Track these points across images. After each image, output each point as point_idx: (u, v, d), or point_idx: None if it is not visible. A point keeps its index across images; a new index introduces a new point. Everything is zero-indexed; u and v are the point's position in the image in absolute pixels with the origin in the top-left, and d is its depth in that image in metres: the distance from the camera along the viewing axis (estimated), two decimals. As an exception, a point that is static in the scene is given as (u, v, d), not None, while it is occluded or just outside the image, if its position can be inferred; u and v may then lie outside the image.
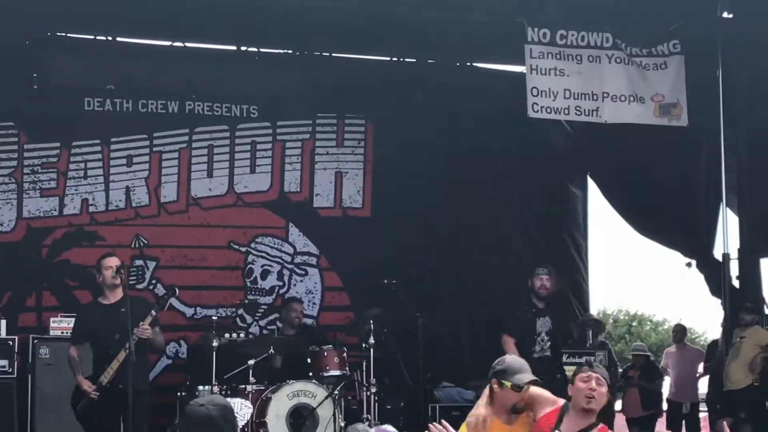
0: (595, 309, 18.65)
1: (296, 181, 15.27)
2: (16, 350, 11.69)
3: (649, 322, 49.64)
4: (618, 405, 15.31)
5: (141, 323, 10.26)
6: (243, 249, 14.92)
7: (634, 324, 49.04)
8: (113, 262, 10.66)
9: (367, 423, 12.38)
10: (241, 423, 10.20)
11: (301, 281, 15.19)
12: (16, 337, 11.92)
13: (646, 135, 13.61)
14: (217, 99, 14.79)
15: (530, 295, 12.71)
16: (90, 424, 10.31)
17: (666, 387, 16.22)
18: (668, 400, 16.02)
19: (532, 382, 7.32)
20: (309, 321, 14.66)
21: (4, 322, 12.33)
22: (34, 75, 13.91)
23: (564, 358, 13.03)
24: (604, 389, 7.21)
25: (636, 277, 77.41)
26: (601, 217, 18.73)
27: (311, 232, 15.29)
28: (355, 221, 15.37)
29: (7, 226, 14.05)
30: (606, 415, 7.31)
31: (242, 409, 11.32)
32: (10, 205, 14.07)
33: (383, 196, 15.35)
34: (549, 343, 12.64)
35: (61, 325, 12.29)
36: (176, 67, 14.71)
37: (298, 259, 15.20)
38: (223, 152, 14.94)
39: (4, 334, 12.03)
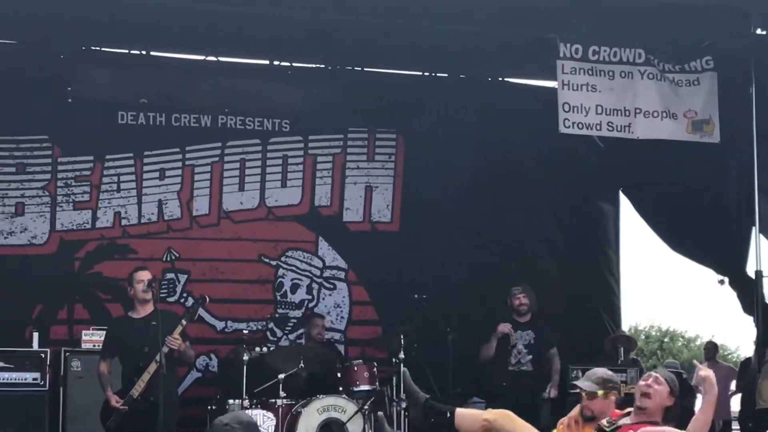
0: (626, 325, 18.62)
1: (327, 195, 15.30)
2: (48, 363, 11.72)
3: (681, 338, 49.43)
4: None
5: (171, 334, 10.29)
6: (273, 262, 14.95)
7: (665, 340, 48.86)
8: (145, 275, 10.70)
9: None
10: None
11: (330, 295, 15.21)
12: (48, 350, 11.95)
13: (678, 151, 13.56)
14: (250, 113, 14.83)
15: (512, 314, 13.14)
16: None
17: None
18: (699, 418, 15.88)
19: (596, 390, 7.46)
20: (336, 335, 14.68)
21: (36, 334, 12.38)
22: (68, 89, 13.97)
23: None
24: (662, 388, 7.20)
25: (668, 292, 77.14)
26: (634, 233, 18.70)
27: (340, 246, 15.31)
28: (383, 235, 15.38)
29: (40, 239, 14.12)
30: (672, 417, 7.25)
31: (266, 422, 11.34)
32: (44, 218, 14.14)
33: (412, 211, 15.35)
34: (529, 357, 12.74)
35: (93, 338, 12.32)
36: (209, 81, 14.75)
37: (327, 273, 15.21)
38: (254, 166, 14.99)
39: (36, 347, 12.07)
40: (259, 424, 5.34)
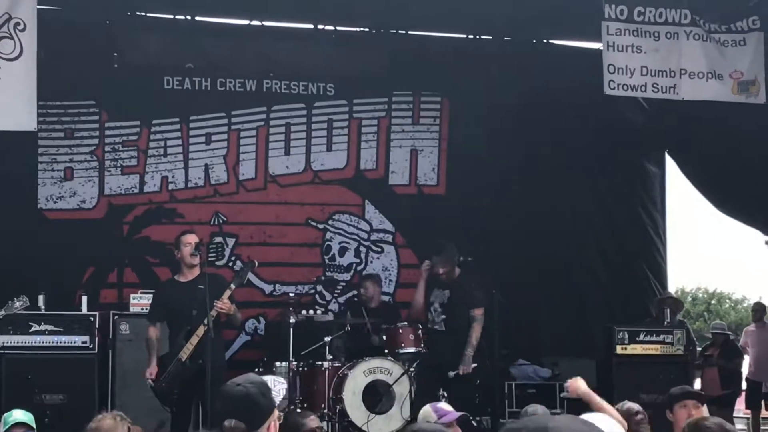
0: (673, 287, 18.57)
1: (372, 158, 15.33)
2: (96, 326, 11.85)
3: (728, 300, 49.23)
4: (697, 384, 15.23)
5: (221, 298, 10.38)
6: (321, 226, 15.02)
7: (712, 302, 48.67)
8: (192, 239, 10.80)
9: (443, 399, 12.44)
10: (277, 399, 10.30)
11: (378, 258, 15.27)
12: (97, 313, 12.08)
13: (724, 112, 13.48)
14: (294, 77, 14.87)
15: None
16: (168, 399, 10.47)
17: (745, 366, 16.08)
18: (747, 379, 15.89)
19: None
20: (385, 298, 14.73)
21: (85, 298, 12.51)
22: (115, 54, 14.08)
23: (641, 337, 13.01)
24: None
25: (715, 254, 76.72)
26: (680, 195, 18.60)
27: (387, 210, 15.36)
28: (430, 199, 15.41)
29: (89, 204, 14.27)
30: None
31: (276, 386, 11.43)
32: (92, 183, 14.28)
33: (458, 174, 15.35)
34: (443, 317, 12.33)
35: (141, 301, 12.45)
36: (254, 46, 14.80)
37: (374, 237, 15.27)
38: (300, 130, 15.04)
39: (85, 310, 12.20)
40: (271, 387, 5.43)
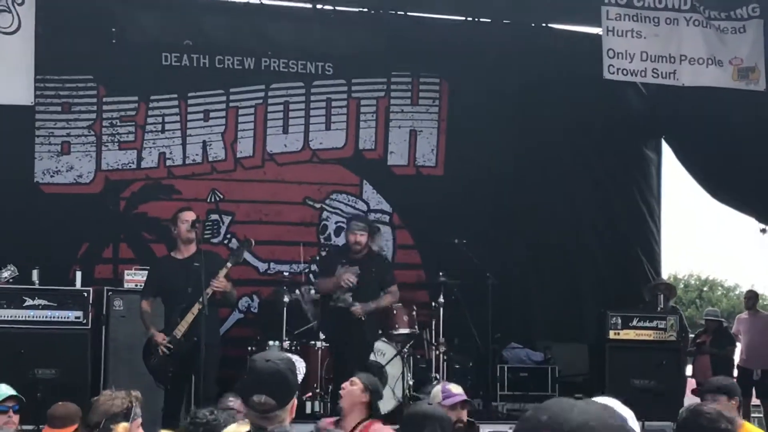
0: (666, 273, 18.58)
1: (371, 138, 15.33)
2: (90, 301, 11.83)
3: (720, 288, 49.29)
4: (689, 370, 15.26)
5: (217, 277, 10.39)
6: (318, 205, 15.01)
7: (705, 289, 48.74)
8: (190, 216, 10.79)
9: (435, 382, 12.48)
10: (300, 377, 10.35)
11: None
12: (91, 289, 12.06)
13: (722, 99, 13.48)
14: (293, 56, 14.84)
15: (348, 252, 12.17)
16: (162, 376, 10.49)
17: (737, 353, 16.11)
18: (738, 367, 15.91)
19: None
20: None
21: (79, 273, 12.49)
22: (113, 29, 14.04)
23: (634, 322, 13.03)
24: (354, 387, 8.14)
25: (708, 242, 76.75)
26: (675, 181, 18.59)
27: (385, 190, 15.37)
28: (428, 180, 15.41)
29: (86, 178, 14.26)
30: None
31: (298, 363, 11.45)
32: (89, 157, 14.27)
33: (456, 156, 15.36)
34: (348, 293, 11.92)
35: (135, 277, 12.44)
36: (253, 24, 14.76)
37: (371, 217, 15.23)
38: (298, 108, 15.02)
39: (79, 286, 12.18)
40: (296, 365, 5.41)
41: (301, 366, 11.49)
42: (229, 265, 10.62)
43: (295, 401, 4.94)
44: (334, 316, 12.04)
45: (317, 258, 14.70)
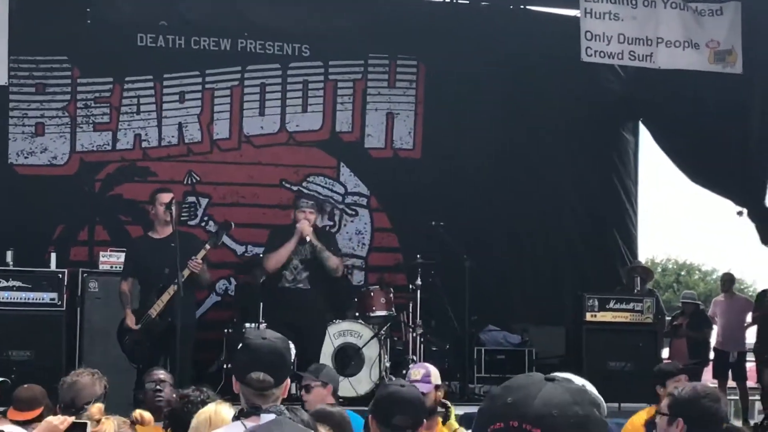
0: (643, 257, 18.60)
1: (348, 121, 15.27)
2: (65, 283, 11.77)
3: (697, 272, 49.43)
4: (665, 353, 15.28)
5: (194, 257, 10.34)
6: (295, 188, 14.94)
7: (682, 273, 48.85)
8: (167, 197, 10.73)
9: (412, 363, 12.47)
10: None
11: (352, 222, 15.22)
12: (66, 270, 11.99)
13: (699, 82, 13.48)
14: (270, 37, 14.77)
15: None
16: (136, 356, 10.44)
17: (714, 335, 16.15)
18: (715, 349, 15.96)
19: None
20: (358, 262, 14.70)
21: (54, 255, 12.43)
22: (88, 9, 13.95)
23: (611, 304, 13.03)
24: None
25: (685, 226, 77.05)
26: (652, 165, 18.63)
27: (362, 173, 15.31)
28: (405, 162, 15.36)
29: (60, 160, 14.17)
30: None
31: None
32: (64, 139, 14.18)
33: (434, 138, 15.31)
34: (306, 273, 11.20)
35: (111, 259, 12.35)
36: (229, 5, 14.68)
37: (348, 200, 15.22)
38: (275, 90, 14.96)
39: (54, 267, 12.12)
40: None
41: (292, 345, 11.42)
42: (207, 246, 10.57)
43: (288, 380, 4.90)
44: (284, 299, 11.34)
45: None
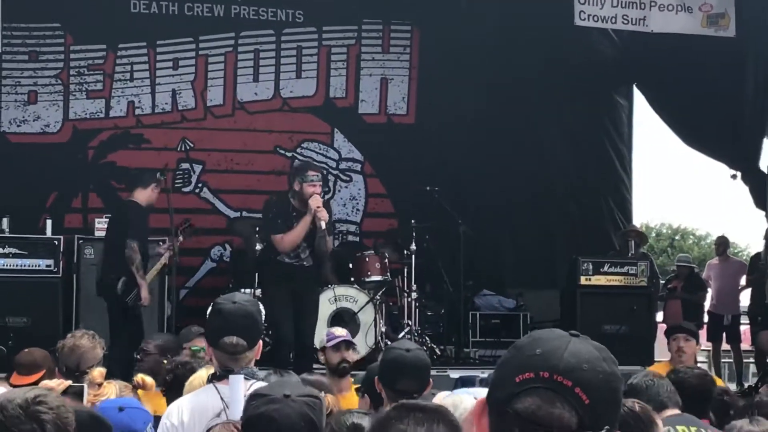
0: (637, 222, 18.62)
1: (342, 86, 15.25)
2: (61, 250, 11.80)
3: (692, 236, 49.46)
4: (659, 316, 15.32)
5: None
6: (289, 154, 14.93)
7: (676, 238, 48.87)
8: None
9: (407, 328, 12.52)
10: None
11: (346, 187, 15.22)
12: (62, 237, 12.02)
13: (693, 45, 13.46)
14: (263, 3, 14.72)
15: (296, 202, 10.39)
16: (127, 315, 10.56)
17: (708, 299, 16.18)
18: (709, 312, 15.99)
19: None
20: (352, 227, 14.73)
21: (50, 222, 12.45)
22: (81, -24, 13.92)
23: (606, 268, 13.06)
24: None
25: (680, 190, 77.08)
26: (646, 129, 18.62)
27: (356, 139, 15.31)
28: (399, 128, 15.36)
29: (53, 127, 14.15)
30: None
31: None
32: (57, 107, 14.15)
33: (427, 104, 15.30)
34: (309, 249, 10.45)
35: (105, 226, 12.37)
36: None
37: (342, 165, 15.22)
38: (269, 56, 14.93)
39: (49, 234, 12.14)
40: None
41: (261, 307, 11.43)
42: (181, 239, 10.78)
43: (261, 342, 4.94)
44: (285, 273, 10.54)
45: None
